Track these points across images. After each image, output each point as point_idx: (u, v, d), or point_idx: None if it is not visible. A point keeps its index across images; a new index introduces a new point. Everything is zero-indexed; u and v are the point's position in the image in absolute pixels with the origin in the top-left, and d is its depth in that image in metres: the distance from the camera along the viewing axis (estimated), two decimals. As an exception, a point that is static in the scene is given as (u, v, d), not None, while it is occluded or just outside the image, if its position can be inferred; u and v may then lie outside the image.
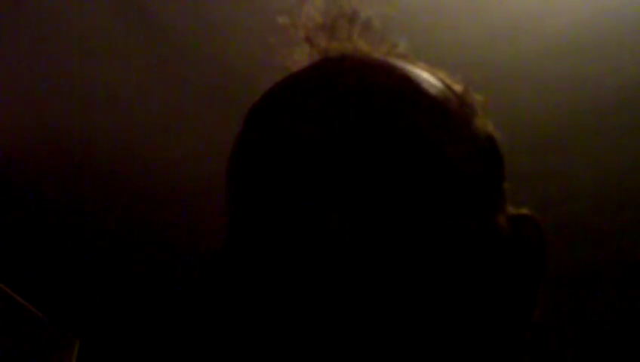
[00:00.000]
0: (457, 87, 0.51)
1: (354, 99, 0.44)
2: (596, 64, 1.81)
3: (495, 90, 1.87)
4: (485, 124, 0.50)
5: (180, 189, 2.24)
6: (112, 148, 2.14)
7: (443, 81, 0.50)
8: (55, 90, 1.98)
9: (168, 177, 2.21)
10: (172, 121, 2.04)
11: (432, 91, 0.47)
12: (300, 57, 0.53)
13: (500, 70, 1.84)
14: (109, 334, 2.70)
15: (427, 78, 0.48)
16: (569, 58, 1.81)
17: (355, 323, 0.39)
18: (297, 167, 0.43)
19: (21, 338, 2.39)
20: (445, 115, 0.46)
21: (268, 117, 0.46)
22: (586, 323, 2.66)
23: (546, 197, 2.15)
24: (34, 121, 2.08)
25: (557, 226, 2.24)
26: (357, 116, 0.43)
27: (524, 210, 0.50)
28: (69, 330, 2.52)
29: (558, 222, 2.23)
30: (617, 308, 2.58)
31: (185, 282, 2.52)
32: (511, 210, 0.49)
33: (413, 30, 1.72)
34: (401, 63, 0.48)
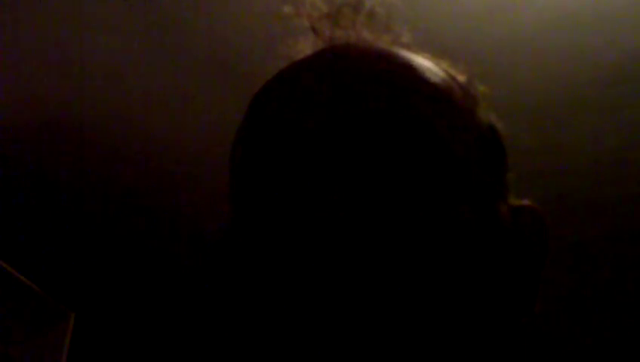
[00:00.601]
0: (461, 78, 0.51)
1: (356, 87, 0.44)
2: (595, 36, 1.80)
3: (493, 62, 1.85)
4: (488, 115, 0.50)
5: (180, 167, 2.24)
6: (110, 125, 2.12)
7: (446, 72, 0.50)
8: (52, 67, 1.96)
9: (168, 154, 2.20)
10: (171, 97, 2.03)
11: (435, 79, 0.47)
12: (305, 46, 0.53)
13: (498, 42, 1.83)
14: (105, 307, 2.70)
15: (430, 66, 0.48)
16: (568, 30, 1.79)
17: (358, 312, 0.39)
18: (300, 155, 0.43)
19: (17, 311, 2.40)
20: (448, 103, 0.46)
21: (271, 106, 0.46)
22: (584, 298, 2.68)
23: (544, 171, 2.15)
24: (31, 98, 2.06)
25: (555, 199, 2.24)
26: (359, 104, 0.43)
27: (527, 202, 0.50)
28: (64, 303, 2.53)
29: (557, 195, 2.23)
30: (616, 282, 2.59)
31: (184, 262, 2.52)
32: (514, 201, 0.49)
33: (410, 2, 1.71)
34: (404, 52, 0.48)
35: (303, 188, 0.42)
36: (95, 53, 1.92)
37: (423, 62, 0.48)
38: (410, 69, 0.46)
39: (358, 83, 0.44)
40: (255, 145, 0.46)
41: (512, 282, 0.46)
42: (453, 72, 0.51)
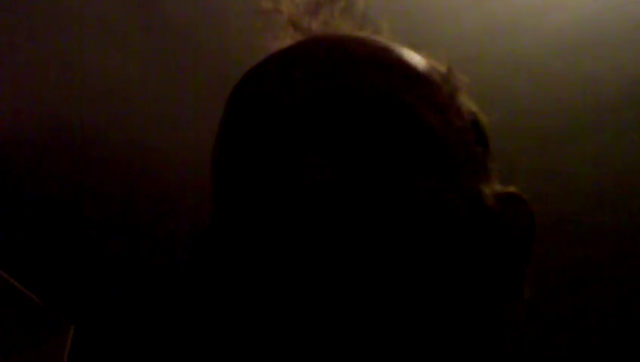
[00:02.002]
0: (441, 67, 0.51)
1: (334, 67, 0.44)
2: (597, 61, 1.80)
3: (495, 86, 1.85)
4: (469, 102, 0.50)
5: (183, 179, 2.24)
6: (113, 137, 2.12)
7: (425, 60, 0.50)
8: (56, 79, 1.97)
9: (171, 166, 2.20)
10: (174, 110, 2.03)
11: (413, 60, 0.47)
12: (285, 41, 0.53)
13: (500, 65, 1.83)
14: (104, 320, 2.70)
15: (409, 51, 0.48)
16: (570, 55, 1.79)
17: (341, 298, 0.38)
18: (277, 137, 0.42)
19: (17, 322, 2.40)
20: (426, 82, 0.46)
21: (248, 93, 0.46)
22: (584, 322, 2.66)
23: (545, 194, 2.14)
24: (34, 110, 2.07)
25: (556, 223, 2.23)
26: (337, 82, 0.43)
27: (512, 188, 0.50)
28: (64, 316, 2.52)
29: (557, 219, 2.22)
30: (616, 307, 2.57)
31: (186, 276, 2.52)
32: (498, 188, 0.49)
33: (414, 23, 1.71)
34: (383, 46, 0.48)
35: (282, 172, 0.41)
36: (99, 66, 1.93)
37: (401, 47, 0.48)
38: (387, 51, 0.47)
39: (333, 63, 0.44)
40: (234, 133, 0.46)
41: (496, 266, 0.45)
42: (432, 61, 0.51)
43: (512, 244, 0.47)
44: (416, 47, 0.51)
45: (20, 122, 2.11)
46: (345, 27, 0.53)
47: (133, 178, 2.26)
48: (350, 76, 0.43)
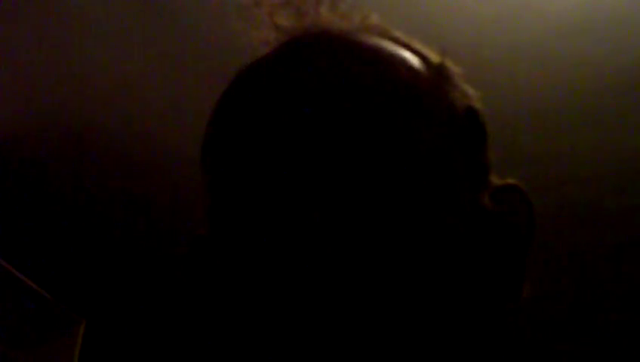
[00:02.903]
0: (434, 58, 0.49)
1: (324, 86, 0.43)
2: (602, 45, 1.79)
3: (500, 70, 1.85)
4: (464, 95, 0.48)
5: (187, 174, 2.23)
6: (120, 134, 2.13)
7: (419, 53, 0.48)
8: (58, 76, 1.97)
9: (177, 163, 2.20)
10: (177, 106, 2.03)
11: (403, 73, 0.45)
12: (267, 36, 0.51)
13: (504, 49, 1.82)
14: (115, 315, 2.71)
15: (399, 57, 0.46)
16: (575, 38, 1.78)
17: (341, 315, 0.38)
18: (269, 155, 0.41)
19: (27, 317, 2.41)
20: (416, 99, 0.44)
21: (237, 108, 0.45)
22: (590, 306, 2.67)
23: (549, 179, 2.14)
24: (41, 106, 2.08)
25: (560, 208, 2.23)
26: (329, 103, 0.42)
27: (510, 180, 0.49)
28: (75, 310, 2.53)
29: (562, 203, 2.22)
30: (623, 292, 2.57)
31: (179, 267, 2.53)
32: (496, 181, 0.48)
33: (418, 9, 1.70)
34: (371, 41, 0.46)
35: (277, 185, 0.41)
36: (101, 62, 1.92)
37: (392, 51, 0.46)
38: (375, 65, 0.45)
39: (321, 88, 0.43)
40: (223, 147, 0.45)
41: (497, 268, 0.45)
42: (426, 53, 0.49)
43: (509, 245, 0.46)
44: (410, 36, 0.48)
45: (22, 119, 2.12)
46: (331, 16, 0.50)
47: (147, 177, 2.27)
48: (340, 108, 0.42)
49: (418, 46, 0.49)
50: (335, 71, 0.43)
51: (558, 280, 2.52)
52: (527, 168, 2.02)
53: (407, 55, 0.47)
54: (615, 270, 2.49)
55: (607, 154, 2.08)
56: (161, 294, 2.69)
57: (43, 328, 2.44)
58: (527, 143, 2.03)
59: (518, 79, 1.89)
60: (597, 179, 2.16)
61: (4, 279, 2.25)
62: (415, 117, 0.42)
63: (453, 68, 0.49)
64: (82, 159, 2.25)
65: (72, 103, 2.06)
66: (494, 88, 1.83)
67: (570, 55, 1.83)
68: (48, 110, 2.10)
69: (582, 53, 1.82)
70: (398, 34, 0.49)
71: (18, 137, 2.19)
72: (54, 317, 2.45)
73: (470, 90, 0.49)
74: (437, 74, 0.47)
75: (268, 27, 0.51)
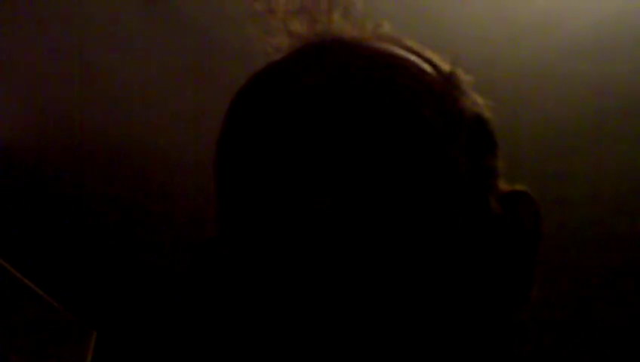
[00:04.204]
0: (445, 67, 0.49)
1: (337, 91, 0.43)
2: (620, 64, 1.79)
3: (518, 88, 1.85)
4: (473, 103, 0.49)
5: (199, 184, 2.23)
6: (125, 140, 2.14)
7: (429, 61, 0.49)
8: (63, 78, 1.97)
9: (188, 171, 2.20)
10: (187, 115, 2.04)
11: (413, 79, 0.46)
12: (280, 42, 0.51)
13: (523, 67, 1.82)
14: (126, 327, 2.71)
15: (410, 63, 0.47)
16: (593, 57, 1.78)
17: (350, 314, 0.38)
18: (282, 155, 0.42)
19: (39, 329, 2.41)
20: (426, 103, 0.45)
21: (251, 108, 0.46)
22: (606, 327, 2.65)
23: (567, 198, 2.13)
24: (46, 111, 2.08)
25: (579, 228, 2.22)
26: (342, 107, 0.43)
27: (519, 186, 0.49)
28: (86, 322, 2.53)
29: (580, 223, 2.22)
30: (637, 313, 2.56)
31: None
32: (504, 187, 0.48)
33: (437, 26, 1.71)
34: (383, 47, 0.47)
35: (288, 189, 0.41)
36: (110, 68, 1.93)
37: (403, 56, 0.47)
38: (388, 67, 0.45)
39: (335, 86, 0.44)
40: (237, 148, 0.45)
41: (505, 272, 0.45)
42: (437, 60, 0.49)
43: (517, 248, 0.47)
44: (422, 44, 0.49)
45: (27, 125, 2.13)
46: (344, 26, 0.51)
47: (154, 183, 2.27)
48: (352, 103, 0.43)
49: (429, 54, 0.49)
50: (347, 77, 0.44)
51: (575, 301, 2.50)
52: (544, 187, 2.02)
53: (419, 61, 0.47)
54: (635, 290, 2.46)
55: (626, 174, 2.06)
56: (173, 305, 2.68)
57: (55, 340, 2.45)
58: (544, 161, 2.02)
59: (535, 97, 1.89)
60: (616, 199, 2.14)
61: (17, 291, 2.26)
62: (425, 119, 0.43)
63: (464, 76, 0.49)
64: (90, 168, 2.24)
65: (77, 109, 2.06)
66: (508, 106, 1.83)
67: (589, 74, 1.82)
68: (53, 115, 2.09)
69: (601, 73, 1.81)
70: (409, 42, 0.50)
71: (24, 143, 2.18)
72: (66, 329, 2.46)
73: (480, 99, 0.50)
74: (447, 81, 0.48)
75: (281, 34, 0.51)
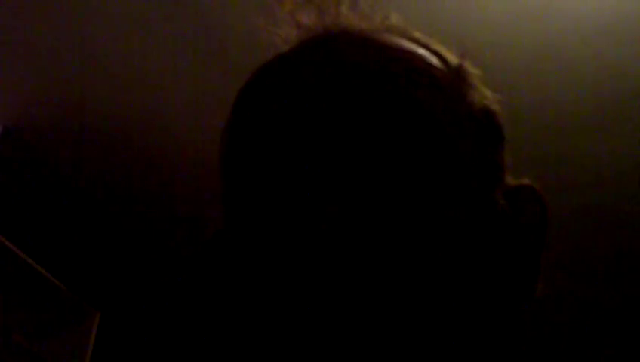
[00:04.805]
0: (453, 60, 0.49)
1: (344, 84, 0.43)
2: (623, 47, 1.78)
3: (521, 71, 1.85)
4: (482, 96, 0.49)
5: (206, 166, 2.24)
6: (139, 128, 2.15)
7: (438, 54, 0.48)
8: (78, 67, 1.98)
9: (196, 158, 2.21)
10: (200, 103, 2.04)
11: (421, 72, 0.45)
12: (288, 34, 0.51)
13: (526, 51, 1.82)
14: (130, 307, 2.72)
15: (418, 56, 0.47)
16: (596, 40, 1.78)
17: (356, 314, 0.38)
18: (289, 152, 0.42)
19: (43, 309, 2.42)
20: (434, 97, 0.44)
21: (258, 102, 0.45)
22: (611, 310, 2.65)
23: (570, 181, 2.13)
24: (60, 99, 2.09)
25: (581, 210, 2.22)
26: (349, 101, 0.42)
27: (525, 180, 0.49)
28: (90, 302, 2.54)
29: (583, 206, 2.21)
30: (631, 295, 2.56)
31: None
32: (511, 181, 0.48)
33: (440, 9, 1.71)
34: (391, 40, 0.47)
35: (294, 191, 0.41)
36: (124, 55, 1.93)
37: (412, 49, 0.47)
38: (396, 60, 0.45)
39: (344, 80, 0.43)
40: (243, 144, 0.45)
41: (511, 268, 0.45)
42: (445, 54, 0.49)
43: (523, 243, 0.46)
44: (430, 36, 0.49)
45: (41, 112, 2.14)
46: (351, 17, 0.51)
47: (158, 166, 2.28)
48: (361, 98, 0.43)
49: (437, 47, 0.49)
50: (354, 69, 0.44)
51: (580, 285, 2.51)
52: (548, 170, 2.02)
53: (427, 54, 0.47)
54: (637, 273, 2.47)
55: (630, 157, 2.07)
56: (177, 289, 2.69)
57: (58, 320, 2.46)
58: (547, 144, 2.03)
59: (539, 81, 1.89)
60: (620, 182, 2.14)
61: (21, 271, 2.27)
62: (432, 114, 0.43)
63: (472, 69, 0.49)
64: (100, 152, 2.26)
65: (92, 96, 2.07)
66: (514, 90, 1.83)
67: (593, 58, 1.82)
68: (68, 103, 2.11)
69: (603, 56, 1.81)
70: (417, 34, 0.50)
71: (37, 130, 2.20)
72: (69, 310, 2.47)
73: (488, 92, 0.50)
74: (455, 74, 0.48)
75: (289, 25, 0.51)
